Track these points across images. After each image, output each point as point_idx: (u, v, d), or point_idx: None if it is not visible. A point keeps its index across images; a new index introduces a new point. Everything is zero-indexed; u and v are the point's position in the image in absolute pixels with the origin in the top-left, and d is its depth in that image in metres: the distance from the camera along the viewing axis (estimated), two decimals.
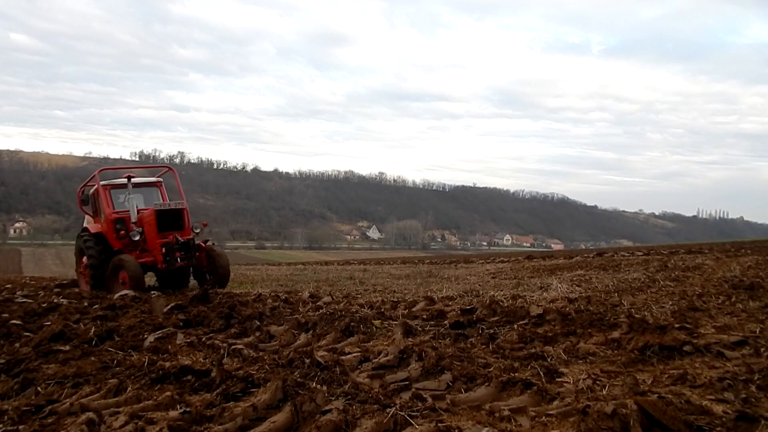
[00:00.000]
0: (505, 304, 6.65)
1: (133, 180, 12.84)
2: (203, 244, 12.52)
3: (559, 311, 5.88)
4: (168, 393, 3.74)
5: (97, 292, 11.10)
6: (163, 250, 11.67)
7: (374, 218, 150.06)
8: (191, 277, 13.11)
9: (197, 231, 12.61)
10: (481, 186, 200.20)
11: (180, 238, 11.82)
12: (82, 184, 14.54)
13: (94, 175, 13.42)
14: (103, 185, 12.89)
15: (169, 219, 12.07)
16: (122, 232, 12.27)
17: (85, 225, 13.45)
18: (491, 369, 4.03)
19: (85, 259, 12.66)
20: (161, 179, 14.07)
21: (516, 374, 3.86)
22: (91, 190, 13.49)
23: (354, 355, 4.71)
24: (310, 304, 7.89)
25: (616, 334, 4.88)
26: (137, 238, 12.05)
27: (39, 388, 4.12)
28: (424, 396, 3.56)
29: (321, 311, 6.87)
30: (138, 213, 12.51)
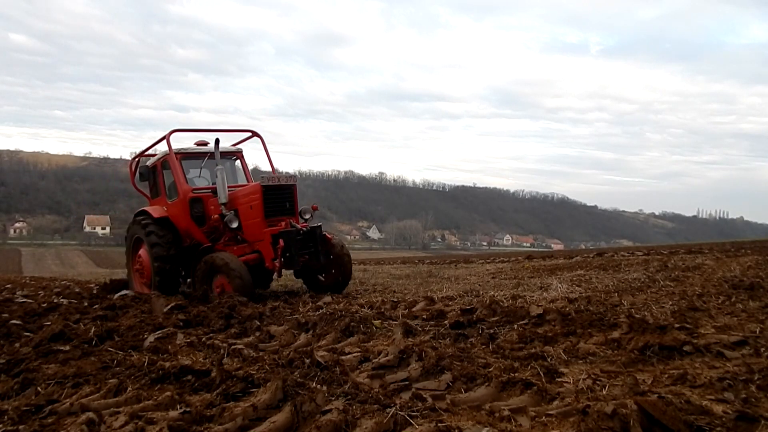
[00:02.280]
0: (505, 304, 6.64)
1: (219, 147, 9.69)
2: (329, 236, 9.43)
3: (559, 311, 5.87)
4: (168, 393, 3.74)
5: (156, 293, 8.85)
6: (281, 242, 8.50)
7: (374, 218, 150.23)
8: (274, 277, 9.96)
9: (307, 217, 9.37)
10: (481, 186, 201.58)
11: (299, 227, 8.81)
12: (137, 154, 11.60)
13: (165, 137, 10.03)
14: (175, 152, 9.96)
15: (278, 199, 8.93)
16: (215, 216, 9.27)
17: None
18: (491, 369, 4.02)
19: (143, 252, 10.05)
20: (241, 148, 10.79)
21: (516, 374, 3.86)
22: (151, 161, 10.45)
23: (354, 355, 4.71)
24: (310, 304, 7.88)
25: (616, 334, 4.88)
26: (235, 225, 9.08)
27: (39, 388, 4.12)
28: (424, 396, 3.55)
29: (321, 311, 6.86)
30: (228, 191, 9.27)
